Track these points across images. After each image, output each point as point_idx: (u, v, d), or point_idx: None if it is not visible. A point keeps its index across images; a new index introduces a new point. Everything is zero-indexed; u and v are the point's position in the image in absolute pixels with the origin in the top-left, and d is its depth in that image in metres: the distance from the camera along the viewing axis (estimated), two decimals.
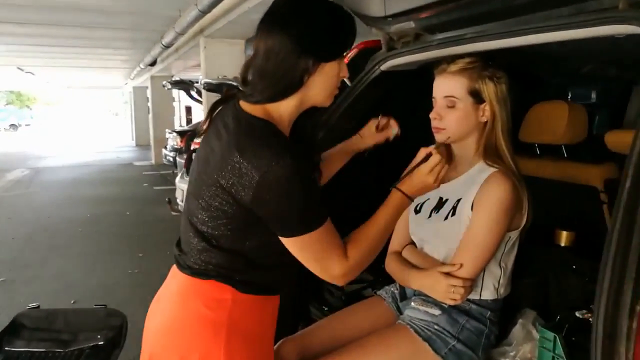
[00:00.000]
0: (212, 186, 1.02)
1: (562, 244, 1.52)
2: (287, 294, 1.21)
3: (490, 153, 1.30)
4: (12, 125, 25.98)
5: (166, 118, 12.21)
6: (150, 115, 12.91)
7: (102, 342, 1.70)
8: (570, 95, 2.93)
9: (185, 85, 7.24)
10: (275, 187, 0.96)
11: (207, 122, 1.13)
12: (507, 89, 1.31)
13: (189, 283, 1.10)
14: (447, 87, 1.29)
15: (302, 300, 1.69)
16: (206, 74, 6.04)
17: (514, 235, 1.30)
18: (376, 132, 1.39)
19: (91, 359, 1.64)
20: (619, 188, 0.89)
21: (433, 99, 1.33)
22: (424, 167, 1.12)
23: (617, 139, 1.54)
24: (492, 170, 1.27)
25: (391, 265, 1.45)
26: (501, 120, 1.29)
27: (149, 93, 13.06)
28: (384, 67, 1.52)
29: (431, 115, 1.31)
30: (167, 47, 6.64)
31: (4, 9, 5.22)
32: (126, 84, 16.72)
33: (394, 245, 1.49)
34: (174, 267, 1.16)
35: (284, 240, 1.03)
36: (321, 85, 1.06)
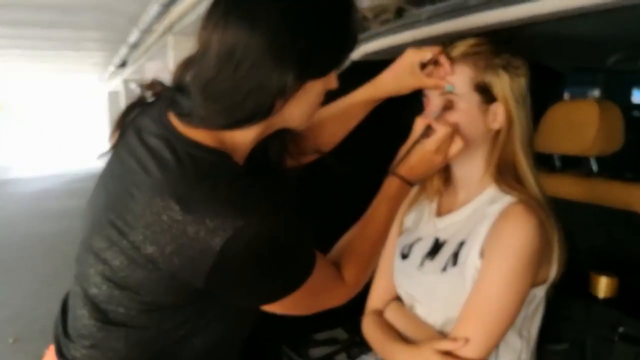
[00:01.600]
0: (124, 249, 0.70)
1: (601, 295, 1.15)
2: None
3: (505, 174, 0.93)
4: None
5: None
6: None
7: None
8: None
9: None
10: (246, 258, 0.67)
11: (116, 134, 0.77)
12: (528, 84, 0.95)
13: None
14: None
15: None
16: None
17: (540, 291, 0.93)
18: (421, 71, 0.95)
19: None
20: None
21: (424, 97, 0.97)
22: (429, 142, 0.89)
23: None
24: (509, 200, 0.91)
25: (370, 331, 1.06)
26: (520, 127, 0.93)
27: (122, 97, 12.68)
28: (356, 55, 1.15)
29: None
30: (134, 47, 6.29)
31: None
32: (100, 88, 16.38)
33: (374, 302, 1.11)
34: (52, 353, 0.81)
35: (262, 307, 0.76)
36: (299, 108, 0.75)
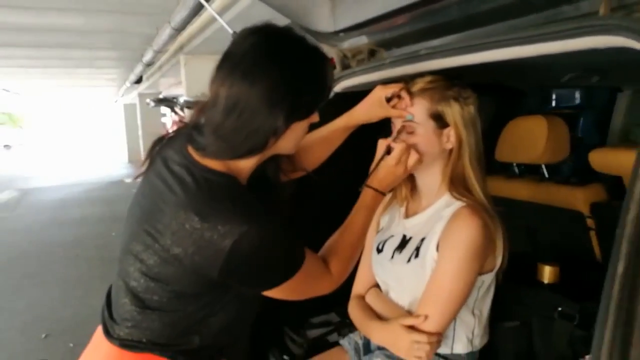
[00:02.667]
0: (157, 251, 0.85)
1: (546, 281, 1.32)
2: (243, 339, 1.06)
3: (457, 184, 1.11)
4: (5, 145, 25.74)
5: (155, 134, 11.99)
6: (140, 132, 12.76)
7: None
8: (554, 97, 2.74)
9: (169, 103, 7.09)
10: (250, 255, 0.83)
11: (146, 162, 0.95)
12: (477, 110, 1.13)
13: (117, 356, 0.91)
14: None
15: (260, 347, 1.50)
16: (188, 90, 5.88)
17: (487, 278, 1.11)
18: (387, 103, 1.11)
19: None
20: (620, 217, 0.66)
21: (392, 124, 1.15)
22: (390, 159, 1.06)
23: (603, 159, 1.36)
24: (459, 204, 1.09)
25: (353, 313, 1.25)
26: (469, 146, 1.11)
27: (137, 110, 12.91)
28: (338, 88, 1.34)
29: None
30: (148, 65, 6.49)
31: None
32: (116, 101, 16.58)
33: (357, 288, 1.29)
34: (100, 333, 0.97)
35: (264, 292, 0.93)
36: (288, 142, 0.92)
